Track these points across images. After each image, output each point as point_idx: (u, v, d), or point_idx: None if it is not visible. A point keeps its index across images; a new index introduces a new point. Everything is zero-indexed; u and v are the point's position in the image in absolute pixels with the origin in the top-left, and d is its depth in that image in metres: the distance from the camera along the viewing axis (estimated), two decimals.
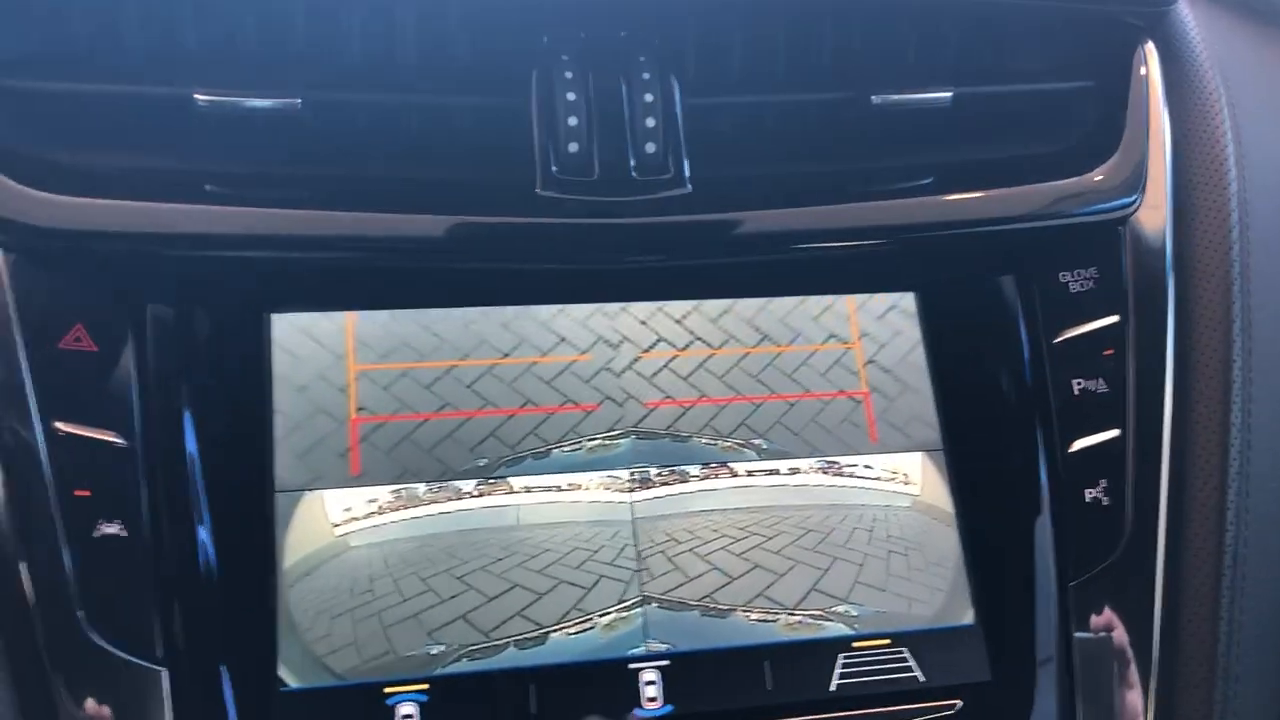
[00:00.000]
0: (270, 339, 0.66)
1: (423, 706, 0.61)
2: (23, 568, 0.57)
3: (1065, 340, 0.72)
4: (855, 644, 0.66)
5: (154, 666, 0.58)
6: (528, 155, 0.68)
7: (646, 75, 0.69)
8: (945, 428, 0.71)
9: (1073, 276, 0.72)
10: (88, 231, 0.62)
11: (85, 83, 0.65)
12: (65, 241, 0.62)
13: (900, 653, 0.66)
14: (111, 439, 0.60)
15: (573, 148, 0.68)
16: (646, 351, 0.70)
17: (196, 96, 0.66)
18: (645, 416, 0.69)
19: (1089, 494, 0.69)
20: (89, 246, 0.62)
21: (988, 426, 0.72)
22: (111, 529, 0.59)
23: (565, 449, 0.67)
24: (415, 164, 0.69)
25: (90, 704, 0.56)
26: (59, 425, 0.59)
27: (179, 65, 0.67)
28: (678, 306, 0.71)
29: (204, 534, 0.61)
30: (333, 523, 0.64)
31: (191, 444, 0.62)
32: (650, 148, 0.68)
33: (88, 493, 0.59)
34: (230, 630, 0.60)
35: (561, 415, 0.68)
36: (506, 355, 0.68)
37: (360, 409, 0.66)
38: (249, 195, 0.65)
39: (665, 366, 0.70)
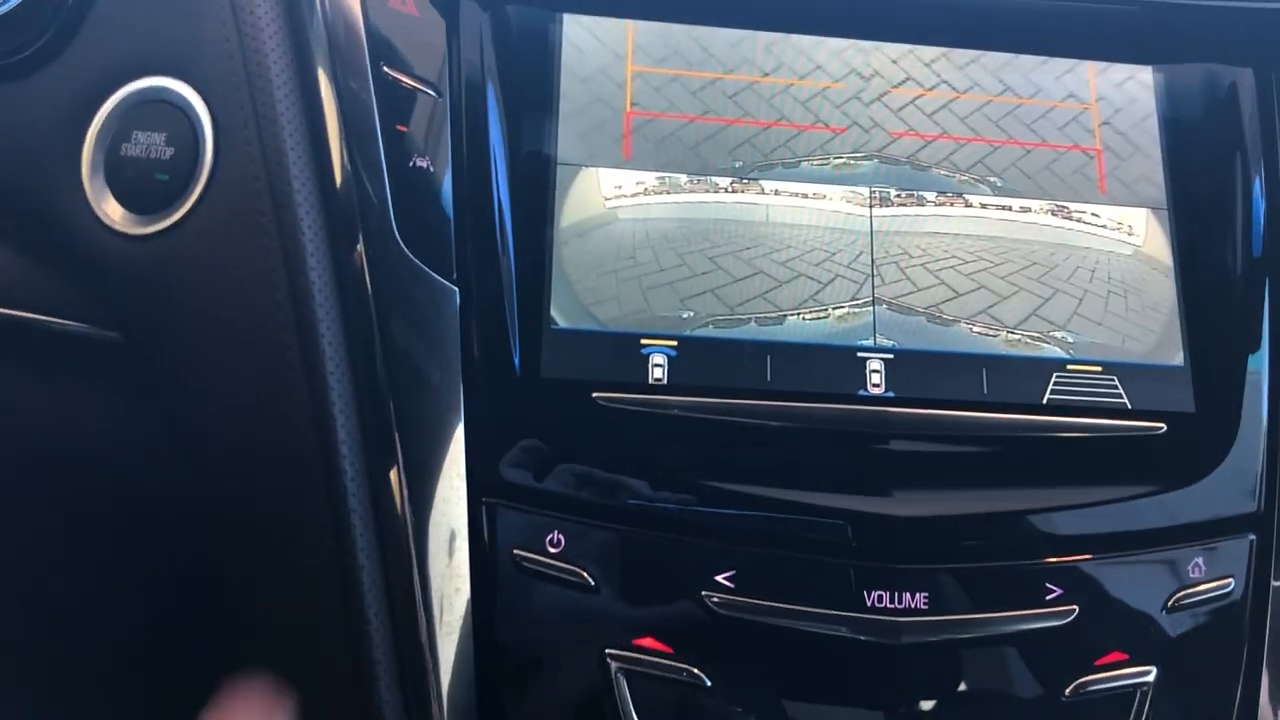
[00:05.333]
0: (562, 35, 0.73)
1: (671, 360, 0.68)
2: (353, 191, 0.65)
3: None
4: (1069, 366, 0.70)
5: (450, 285, 0.66)
6: None
7: None
8: (1172, 191, 0.75)
9: None
10: None
11: None
12: None
13: (1111, 379, 0.70)
14: (426, 89, 0.68)
15: None
16: (896, 87, 0.75)
17: None
18: (889, 144, 0.74)
19: None
20: None
21: (1213, 194, 0.75)
22: (423, 163, 0.67)
23: (813, 162, 0.73)
24: None
25: (398, 308, 0.65)
26: (386, 69, 0.67)
27: None
28: (928, 51, 0.76)
29: (496, 180, 0.69)
30: (604, 196, 0.71)
31: (492, 106, 0.70)
32: None
33: (405, 128, 0.67)
34: (512, 268, 0.68)
35: (812, 133, 0.73)
36: (767, 75, 0.74)
37: (634, 104, 0.72)
38: None
39: (911, 103, 0.75)
